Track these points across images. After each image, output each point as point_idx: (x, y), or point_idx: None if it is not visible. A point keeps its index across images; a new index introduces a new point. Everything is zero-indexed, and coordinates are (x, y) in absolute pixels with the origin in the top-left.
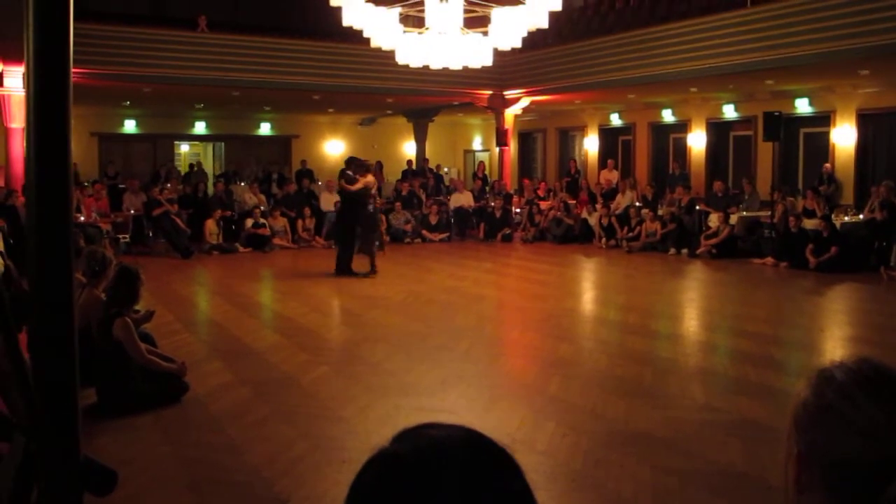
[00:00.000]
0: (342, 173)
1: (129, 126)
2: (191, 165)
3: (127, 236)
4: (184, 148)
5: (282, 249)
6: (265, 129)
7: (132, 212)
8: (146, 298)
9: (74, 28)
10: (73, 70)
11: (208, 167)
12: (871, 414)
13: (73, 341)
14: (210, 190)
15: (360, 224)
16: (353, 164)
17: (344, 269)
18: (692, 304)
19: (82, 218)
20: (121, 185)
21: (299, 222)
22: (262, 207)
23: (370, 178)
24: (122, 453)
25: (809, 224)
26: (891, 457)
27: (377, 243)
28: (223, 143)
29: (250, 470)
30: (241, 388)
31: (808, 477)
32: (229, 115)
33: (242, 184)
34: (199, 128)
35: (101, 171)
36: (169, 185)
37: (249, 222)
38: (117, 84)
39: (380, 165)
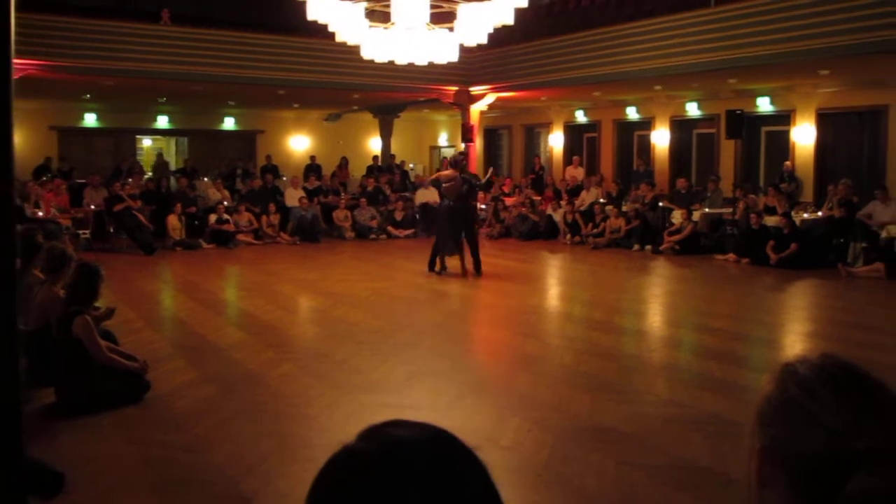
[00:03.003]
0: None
1: (90, 120)
2: (159, 155)
3: (87, 232)
4: (146, 142)
5: (246, 245)
6: (229, 123)
7: (93, 207)
8: (107, 295)
9: (33, 19)
10: (30, 62)
11: (172, 162)
12: (834, 409)
13: (13, 339)
14: (173, 185)
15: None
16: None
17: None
18: (656, 300)
19: (41, 213)
20: (79, 181)
21: (264, 218)
22: (226, 203)
23: (447, 172)
24: (83, 454)
25: (771, 221)
26: (852, 451)
27: (451, 245)
28: (186, 138)
29: (214, 469)
30: (205, 386)
31: (770, 471)
32: (193, 110)
33: (206, 179)
34: (162, 122)
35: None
36: (131, 180)
37: (213, 218)
38: (77, 77)
39: (345, 161)
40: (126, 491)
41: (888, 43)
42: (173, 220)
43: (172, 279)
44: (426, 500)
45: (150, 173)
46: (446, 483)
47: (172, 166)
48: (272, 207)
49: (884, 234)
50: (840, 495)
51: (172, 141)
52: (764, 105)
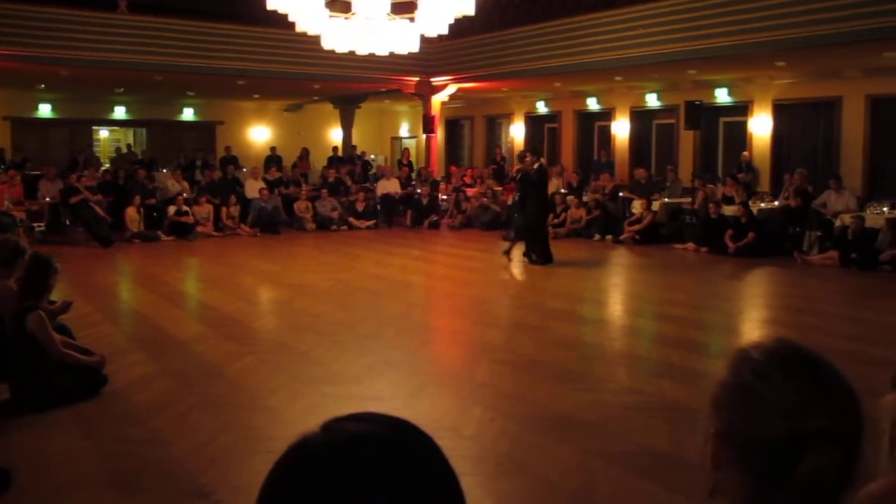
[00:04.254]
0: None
1: (45, 110)
2: (117, 149)
3: (43, 225)
4: (103, 133)
5: (206, 237)
6: (188, 114)
7: (48, 199)
8: (64, 289)
9: None
10: None
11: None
12: (786, 392)
13: None
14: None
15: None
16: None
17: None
18: (617, 289)
19: None
20: (34, 173)
21: (224, 210)
22: (185, 194)
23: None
24: (38, 450)
25: (728, 210)
26: (804, 434)
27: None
28: (145, 129)
29: (174, 463)
30: (164, 380)
31: (725, 454)
32: (151, 100)
33: (165, 170)
34: (120, 112)
35: (10, 157)
36: (87, 172)
37: (172, 210)
38: (31, 67)
39: (306, 152)
40: (82, 487)
41: (842, 35)
42: (131, 212)
43: (131, 272)
44: (374, 496)
45: (107, 164)
46: (397, 479)
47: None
48: (232, 199)
49: (837, 223)
50: (792, 476)
51: (130, 132)
52: (722, 96)
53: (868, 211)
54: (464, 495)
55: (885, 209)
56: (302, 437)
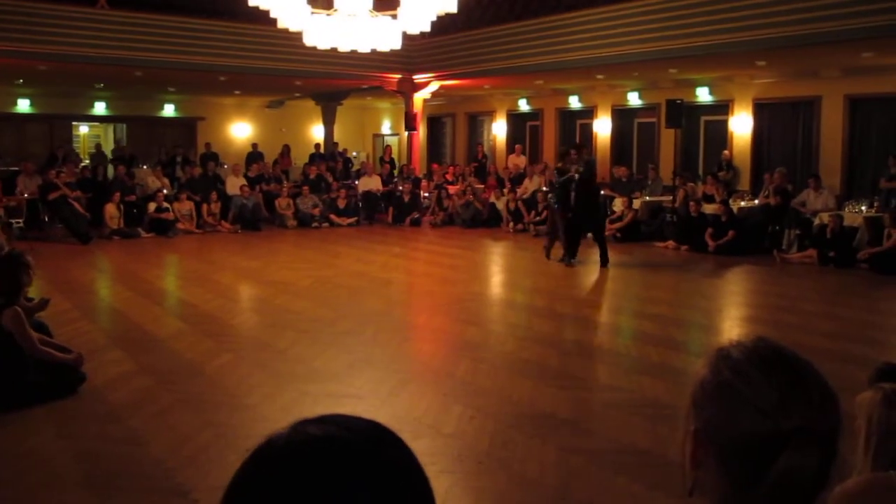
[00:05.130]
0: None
1: (23, 105)
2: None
3: (21, 221)
4: (83, 129)
5: (186, 234)
6: (169, 110)
7: (26, 195)
8: (41, 286)
9: None
10: None
11: (108, 149)
12: (765, 391)
13: None
14: (110, 172)
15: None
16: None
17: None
18: (596, 286)
19: None
20: (12, 168)
21: (204, 206)
22: (165, 191)
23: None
24: (13, 449)
25: (709, 209)
26: (780, 431)
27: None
28: (125, 125)
29: (152, 461)
30: (142, 377)
31: (704, 452)
32: (131, 96)
33: (145, 167)
34: (99, 108)
35: None
36: (66, 168)
37: (152, 206)
38: (10, 61)
39: (287, 149)
40: (57, 486)
41: (821, 35)
42: (111, 209)
43: (109, 268)
44: (335, 499)
45: (86, 161)
46: (360, 482)
47: (109, 154)
48: (213, 196)
49: (816, 222)
50: (768, 474)
51: (110, 128)
52: (703, 95)
53: (846, 210)
54: (433, 499)
55: (862, 208)
56: (267, 439)
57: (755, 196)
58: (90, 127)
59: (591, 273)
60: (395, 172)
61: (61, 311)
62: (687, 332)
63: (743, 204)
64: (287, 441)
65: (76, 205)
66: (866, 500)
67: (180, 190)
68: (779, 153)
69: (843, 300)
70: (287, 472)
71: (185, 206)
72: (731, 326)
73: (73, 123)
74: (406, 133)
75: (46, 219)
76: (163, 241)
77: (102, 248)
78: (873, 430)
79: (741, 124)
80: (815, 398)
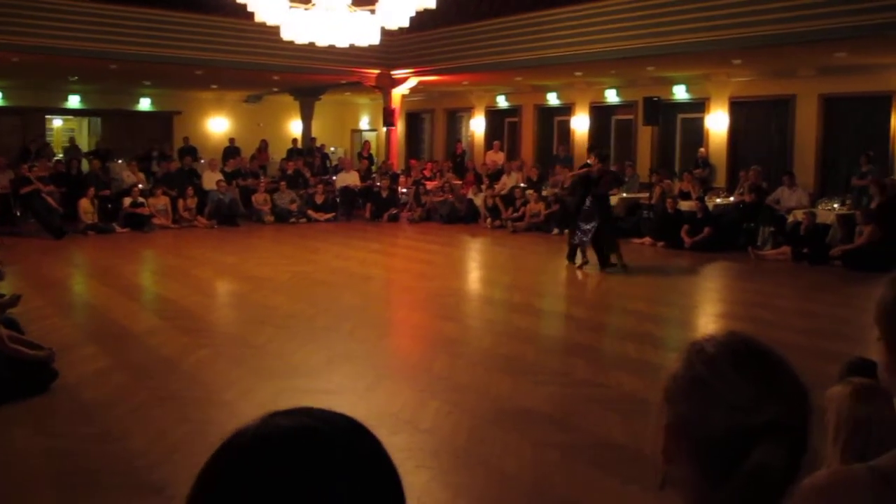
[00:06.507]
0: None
1: None
2: (71, 139)
3: None
4: (56, 123)
5: (162, 230)
6: (145, 104)
7: None
8: (13, 282)
9: None
10: None
11: (83, 144)
12: (737, 386)
13: None
14: (85, 167)
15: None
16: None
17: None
18: (574, 282)
19: None
20: None
21: (181, 202)
22: (141, 186)
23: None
24: None
25: (685, 206)
26: (753, 427)
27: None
28: (100, 119)
29: (126, 458)
30: (116, 374)
31: (675, 447)
32: (106, 90)
33: (121, 161)
34: (74, 101)
35: None
36: (39, 162)
37: (128, 201)
38: None
39: (265, 144)
40: (28, 485)
41: (796, 35)
42: (85, 204)
43: (84, 264)
44: (303, 490)
45: (60, 155)
46: (327, 474)
47: (85, 148)
48: (189, 191)
49: (790, 219)
50: (740, 468)
51: (85, 121)
52: (680, 93)
53: (819, 207)
54: (402, 492)
55: (835, 205)
56: (235, 431)
57: (731, 193)
58: (64, 120)
59: (566, 269)
60: (374, 168)
61: (34, 308)
62: (664, 327)
63: (719, 201)
64: (256, 432)
65: (49, 199)
66: (832, 491)
67: (156, 185)
68: (754, 151)
69: (817, 296)
70: (256, 464)
71: (161, 201)
72: (707, 322)
73: (47, 117)
74: (384, 129)
75: (19, 213)
76: (138, 237)
77: (76, 244)
78: (843, 423)
79: (717, 122)
80: (786, 393)
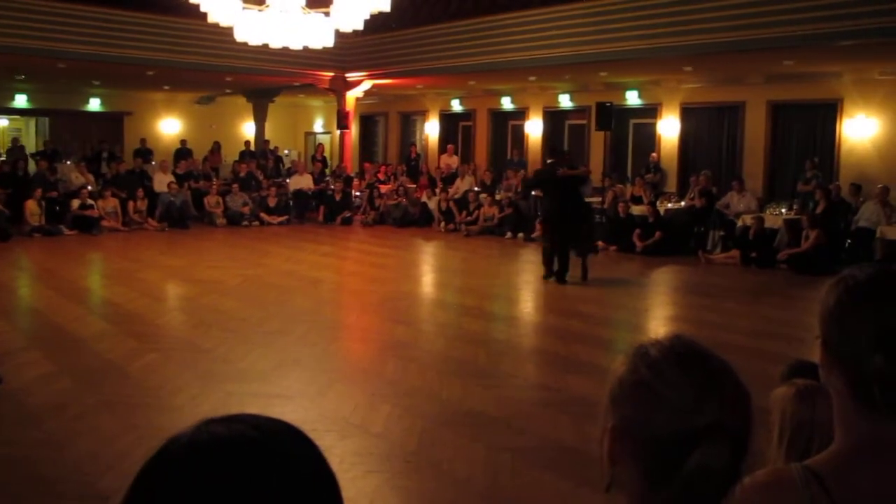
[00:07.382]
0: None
1: None
2: (14, 140)
3: None
4: (2, 122)
5: (111, 232)
6: (95, 104)
7: None
8: None
9: None
10: None
11: (30, 144)
12: (680, 388)
13: None
14: (32, 168)
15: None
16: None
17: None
18: (527, 286)
19: None
20: None
21: (131, 204)
22: (90, 188)
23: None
24: None
25: (637, 210)
26: (694, 428)
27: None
28: (47, 119)
29: (69, 467)
30: (61, 379)
31: (620, 449)
32: (55, 89)
33: (69, 162)
34: (20, 101)
35: None
36: None
37: (76, 203)
38: None
39: (217, 146)
40: None
41: (746, 42)
42: (31, 205)
43: (29, 267)
44: (233, 498)
45: (3, 155)
46: (259, 482)
47: (32, 148)
48: (140, 192)
49: (739, 223)
50: (682, 469)
51: (32, 121)
52: (632, 98)
53: (767, 212)
54: (341, 499)
55: (782, 210)
56: (169, 439)
57: (681, 198)
58: (10, 120)
59: (520, 273)
60: (327, 171)
61: None
62: (614, 330)
63: (670, 205)
64: (190, 440)
65: None
66: (769, 490)
67: (105, 186)
68: (704, 156)
69: (764, 299)
70: (189, 473)
71: (111, 203)
72: (657, 325)
73: None
74: (338, 131)
75: None
76: (87, 239)
77: (22, 246)
78: (786, 424)
79: (669, 128)
80: (728, 396)
